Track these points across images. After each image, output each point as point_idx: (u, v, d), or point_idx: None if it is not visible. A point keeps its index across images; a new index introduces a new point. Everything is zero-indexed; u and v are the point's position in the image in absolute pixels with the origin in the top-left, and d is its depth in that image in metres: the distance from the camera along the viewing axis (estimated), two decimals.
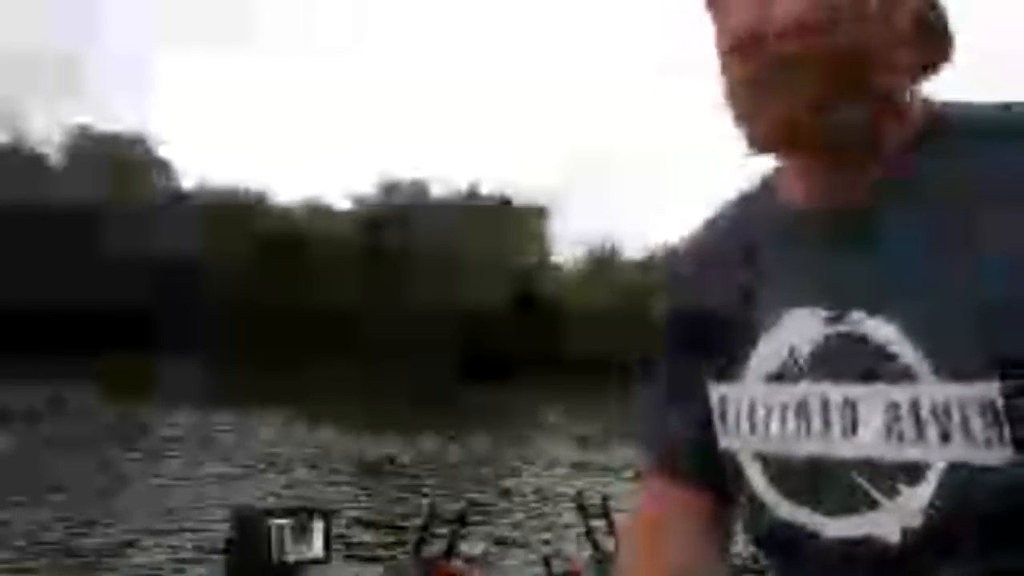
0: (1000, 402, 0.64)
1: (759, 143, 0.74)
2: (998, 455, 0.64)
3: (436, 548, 5.55)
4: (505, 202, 46.27)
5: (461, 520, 5.71)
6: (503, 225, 45.35)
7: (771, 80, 0.70)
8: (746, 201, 0.87)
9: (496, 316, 40.31)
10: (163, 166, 44.97)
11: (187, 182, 44.54)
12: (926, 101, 0.76)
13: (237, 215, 42.53)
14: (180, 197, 43.50)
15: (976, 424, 0.65)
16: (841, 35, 0.69)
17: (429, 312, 39.09)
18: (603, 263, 47.58)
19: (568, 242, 48.51)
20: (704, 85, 0.80)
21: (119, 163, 42.73)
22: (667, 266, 0.94)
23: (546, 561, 5.83)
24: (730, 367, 0.81)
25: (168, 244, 38.85)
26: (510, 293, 42.02)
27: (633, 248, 46.78)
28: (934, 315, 0.67)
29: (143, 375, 30.12)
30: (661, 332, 0.92)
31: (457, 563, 5.67)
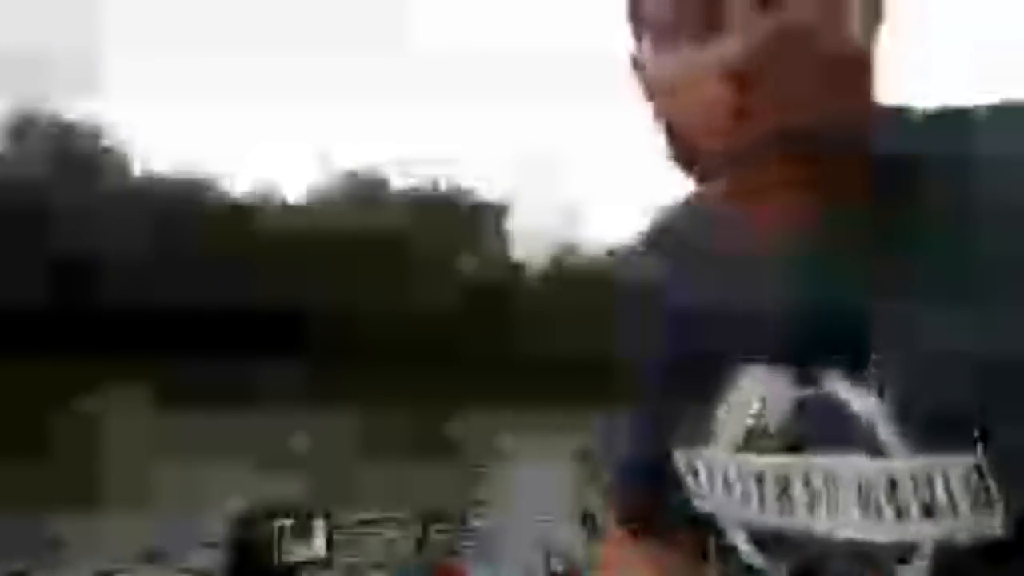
0: (986, 469, 0.59)
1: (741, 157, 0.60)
2: (988, 524, 0.60)
3: (436, 548, 5.57)
4: (468, 199, 45.09)
5: (461, 520, 5.73)
6: (465, 222, 44.32)
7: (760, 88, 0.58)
8: (686, 233, 0.76)
9: (450, 315, 38.94)
10: (121, 157, 44.08)
11: (137, 172, 43.18)
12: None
13: (192, 203, 41.16)
14: (129, 191, 42.23)
15: (961, 496, 0.59)
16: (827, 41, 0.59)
17: (381, 311, 37.68)
18: (567, 262, 46.50)
19: (532, 239, 47.11)
20: None
21: (82, 155, 41.91)
22: (617, 308, 0.83)
23: (545, 559, 5.85)
24: (695, 431, 0.72)
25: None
26: (465, 292, 40.71)
27: (596, 246, 44.92)
28: (912, 375, 0.60)
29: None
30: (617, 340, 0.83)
31: (457, 562, 5.69)
